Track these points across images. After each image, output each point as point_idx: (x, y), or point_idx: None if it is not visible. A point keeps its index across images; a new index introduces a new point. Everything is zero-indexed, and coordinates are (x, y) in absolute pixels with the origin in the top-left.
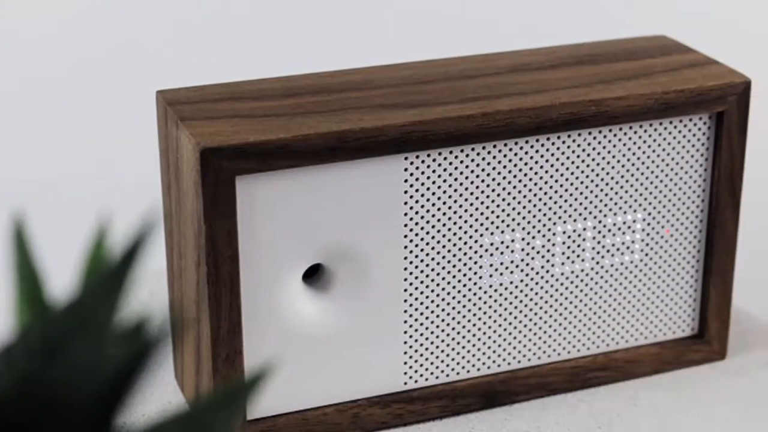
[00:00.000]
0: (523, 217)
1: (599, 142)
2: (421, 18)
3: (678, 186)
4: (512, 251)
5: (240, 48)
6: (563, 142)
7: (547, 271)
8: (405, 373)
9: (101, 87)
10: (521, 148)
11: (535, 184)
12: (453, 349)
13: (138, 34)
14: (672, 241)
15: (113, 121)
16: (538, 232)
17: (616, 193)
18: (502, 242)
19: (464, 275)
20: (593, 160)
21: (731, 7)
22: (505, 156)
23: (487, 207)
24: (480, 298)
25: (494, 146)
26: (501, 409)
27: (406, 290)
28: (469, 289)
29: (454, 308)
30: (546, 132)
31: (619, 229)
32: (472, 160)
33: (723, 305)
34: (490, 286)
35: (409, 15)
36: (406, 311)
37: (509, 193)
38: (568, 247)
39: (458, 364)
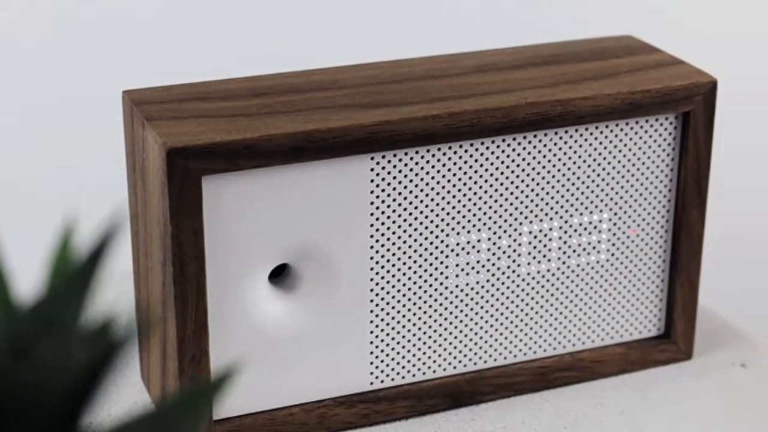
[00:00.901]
0: (489, 217)
1: (565, 142)
2: (387, 18)
3: (644, 186)
4: (478, 251)
5: (206, 48)
6: (529, 142)
7: (513, 271)
8: (371, 373)
9: (67, 87)
10: (487, 148)
11: (501, 184)
12: (419, 349)
13: (104, 33)
14: (638, 241)
15: (79, 121)
16: (504, 232)
17: (582, 193)
18: (469, 242)
19: (430, 275)
20: (559, 160)
21: (697, 7)
22: (471, 156)
23: (454, 207)
24: (446, 298)
25: (460, 146)
26: (467, 409)
27: (372, 290)
28: (436, 289)
29: (420, 308)
30: (512, 132)
31: (585, 229)
32: (438, 160)
33: (689, 305)
34: (457, 286)
35: (375, 15)
36: (372, 311)
37: (475, 193)
38: (534, 247)
39: (424, 364)
